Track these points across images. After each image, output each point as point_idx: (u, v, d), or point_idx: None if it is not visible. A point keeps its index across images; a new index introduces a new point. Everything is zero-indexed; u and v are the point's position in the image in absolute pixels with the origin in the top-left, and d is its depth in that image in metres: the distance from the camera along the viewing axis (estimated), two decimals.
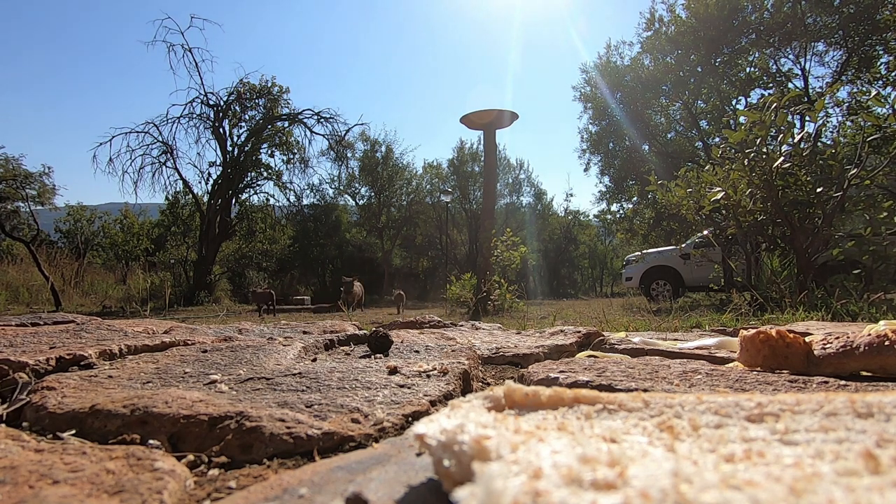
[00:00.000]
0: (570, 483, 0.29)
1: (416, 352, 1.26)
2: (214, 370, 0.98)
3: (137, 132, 14.73)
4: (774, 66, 13.95)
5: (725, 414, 0.46)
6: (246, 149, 16.13)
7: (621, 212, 18.34)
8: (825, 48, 13.33)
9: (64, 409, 0.69)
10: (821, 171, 3.90)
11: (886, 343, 0.88)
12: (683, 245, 8.82)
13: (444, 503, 0.41)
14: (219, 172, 15.67)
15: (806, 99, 11.16)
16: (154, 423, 0.64)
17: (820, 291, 3.47)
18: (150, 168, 14.95)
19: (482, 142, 11.43)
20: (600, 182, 18.38)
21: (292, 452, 0.59)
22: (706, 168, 4.58)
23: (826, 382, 0.87)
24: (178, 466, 0.53)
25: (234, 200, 16.36)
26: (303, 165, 17.09)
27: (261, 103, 16.39)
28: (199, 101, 15.40)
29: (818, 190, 3.83)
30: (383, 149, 22.56)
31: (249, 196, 17.14)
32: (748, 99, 14.11)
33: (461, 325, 2.19)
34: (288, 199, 17.83)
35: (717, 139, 12.11)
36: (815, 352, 0.95)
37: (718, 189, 4.24)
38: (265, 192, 17.43)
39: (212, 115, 15.64)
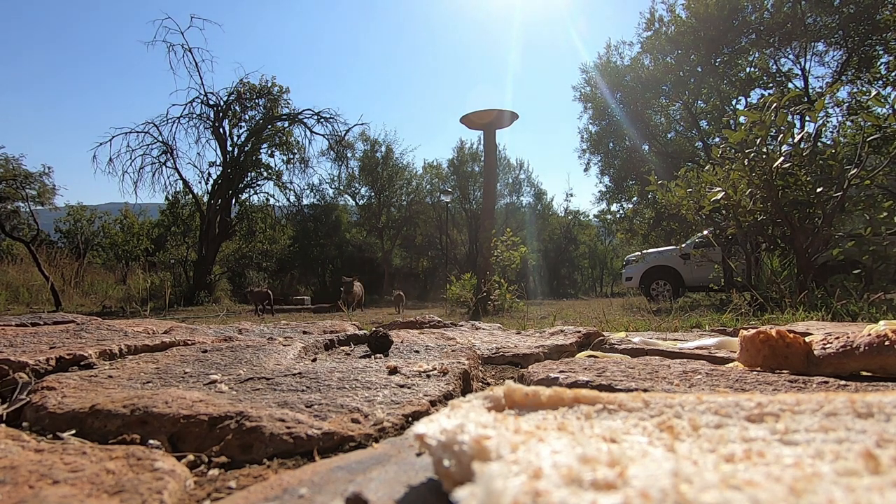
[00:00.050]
0: (570, 483, 0.29)
1: (416, 352, 1.26)
2: (214, 370, 0.98)
3: (137, 132, 14.74)
4: (774, 66, 13.96)
5: (725, 414, 0.46)
6: (246, 149, 16.13)
7: (621, 212, 18.35)
8: (825, 48, 13.34)
9: (64, 409, 0.69)
10: (821, 171, 3.90)
11: (886, 343, 0.88)
12: (683, 245, 8.82)
13: (444, 503, 0.41)
14: (219, 172, 15.68)
15: (806, 99, 11.16)
16: (154, 423, 0.64)
17: (820, 291, 3.47)
18: (150, 168, 14.97)
19: (482, 142, 11.43)
20: (600, 182, 18.41)
21: (292, 452, 0.59)
22: (706, 168, 4.58)
23: (826, 382, 0.87)
24: (178, 466, 0.53)
25: (234, 200, 16.36)
26: (303, 165, 17.10)
27: (261, 103, 16.40)
28: (199, 101, 15.42)
29: (818, 190, 3.83)
30: (383, 149, 22.59)
31: (249, 196, 17.17)
32: (748, 99, 14.12)
33: (461, 325, 2.19)
34: (288, 199, 17.85)
35: (717, 139, 12.11)
36: (815, 352, 0.95)
37: (718, 189, 4.25)
38: (265, 192, 17.45)
39: (212, 115, 15.65)
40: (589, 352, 1.37)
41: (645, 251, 10.28)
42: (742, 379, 0.90)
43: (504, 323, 3.13)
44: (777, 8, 12.70)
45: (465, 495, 0.29)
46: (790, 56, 13.59)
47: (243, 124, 16.43)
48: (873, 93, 3.78)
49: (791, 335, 0.98)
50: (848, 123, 9.59)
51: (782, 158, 3.77)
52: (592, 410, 0.49)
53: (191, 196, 16.05)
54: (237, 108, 16.13)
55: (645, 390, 0.83)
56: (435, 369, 0.96)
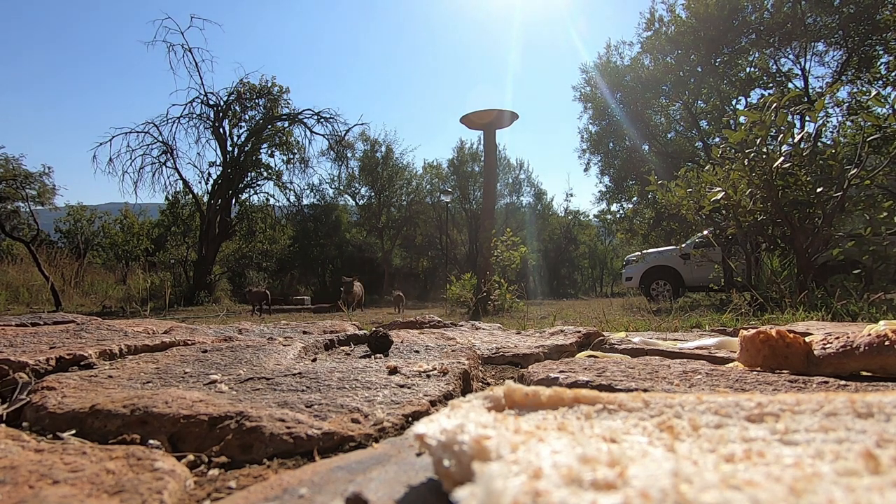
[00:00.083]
0: (570, 483, 0.29)
1: (416, 352, 1.26)
2: (214, 370, 0.98)
3: (137, 132, 14.75)
4: (774, 66, 13.96)
5: (725, 414, 0.46)
6: (246, 149, 16.14)
7: (621, 212, 18.35)
8: (825, 48, 13.34)
9: (64, 409, 0.69)
10: (821, 171, 3.90)
11: (886, 343, 0.88)
12: (683, 245, 8.82)
13: (444, 503, 0.41)
14: (219, 172, 15.69)
15: (806, 99, 11.16)
16: (154, 423, 0.64)
17: (820, 291, 3.47)
18: (150, 168, 14.98)
19: (482, 142, 11.43)
20: (600, 182, 18.42)
21: (292, 452, 0.59)
22: (706, 168, 4.58)
23: (826, 382, 0.87)
24: (178, 466, 0.53)
25: (234, 200, 16.36)
26: (303, 165, 17.11)
27: (261, 103, 16.41)
28: (199, 101, 15.43)
29: (818, 190, 3.83)
30: (383, 149, 22.59)
31: (249, 196, 17.18)
32: (748, 99, 14.12)
33: (461, 325, 2.19)
34: (288, 199, 17.87)
35: (717, 139, 12.11)
36: (815, 352, 0.95)
37: (718, 189, 4.25)
38: (265, 192, 17.47)
39: (212, 115, 15.65)
40: (589, 352, 1.37)
41: (645, 251, 10.27)
42: (742, 379, 0.90)
43: (504, 323, 3.13)
44: (777, 8, 12.70)
45: (465, 495, 0.29)
46: (790, 56, 13.60)
47: (243, 124, 16.45)
48: (873, 93, 3.78)
49: (791, 335, 0.98)
50: (848, 123, 9.59)
51: (782, 158, 3.77)
52: (592, 410, 0.49)
53: (191, 196, 16.06)
54: (237, 108, 16.14)
55: (645, 390, 0.83)
56: (435, 369, 0.96)
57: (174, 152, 15.14)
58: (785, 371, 0.97)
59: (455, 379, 0.91)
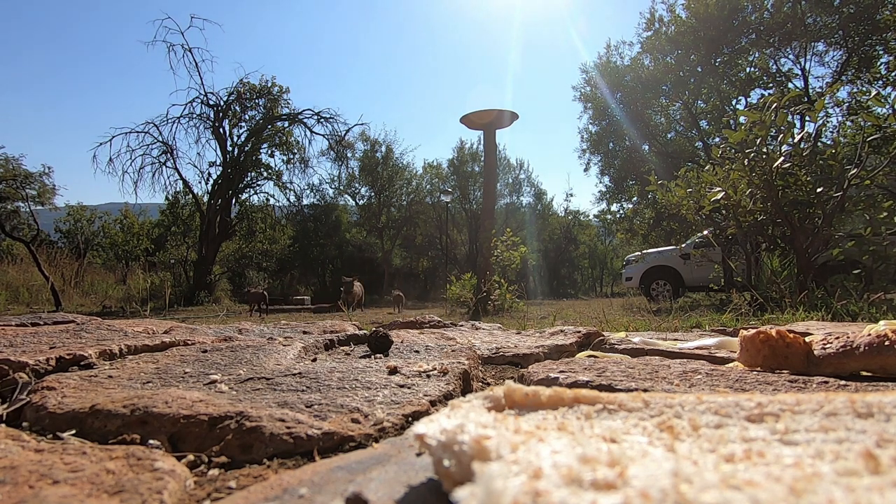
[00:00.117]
0: (570, 483, 0.29)
1: (416, 352, 1.26)
2: (214, 370, 0.98)
3: (137, 132, 14.75)
4: (774, 66, 13.96)
5: (725, 414, 0.46)
6: (246, 149, 16.14)
7: (621, 212, 18.35)
8: (825, 48, 13.34)
9: (64, 409, 0.69)
10: (821, 171, 3.90)
11: (886, 343, 0.88)
12: (683, 245, 8.82)
13: (444, 503, 0.41)
14: (219, 172, 15.69)
15: (806, 99, 11.16)
16: (154, 423, 0.64)
17: (820, 291, 3.47)
18: (150, 168, 14.98)
19: (482, 142, 11.43)
20: (600, 182, 18.42)
21: (292, 452, 0.59)
22: (706, 168, 4.58)
23: (826, 382, 0.87)
24: (178, 466, 0.53)
25: (234, 200, 16.36)
26: (303, 165, 17.11)
27: (261, 103, 16.41)
28: (199, 101, 15.43)
29: (818, 190, 3.83)
30: (383, 149, 22.59)
31: (249, 196, 17.18)
32: (748, 99, 14.12)
33: (461, 325, 2.19)
34: (288, 199, 17.86)
35: (717, 139, 12.11)
36: (815, 352, 0.95)
37: (718, 189, 4.25)
38: (265, 192, 17.47)
39: (212, 115, 15.65)
40: (589, 352, 1.37)
41: (645, 251, 10.27)
42: (742, 379, 0.90)
43: (504, 323, 3.13)
44: (777, 8, 12.70)
45: (465, 495, 0.29)
46: (790, 56, 13.60)
47: (243, 124, 16.45)
48: (873, 93, 3.78)
49: (791, 335, 0.98)
50: (848, 123, 9.59)
51: (782, 158, 3.77)
52: (592, 410, 0.49)
53: (191, 196, 16.06)
54: (237, 108, 16.14)
55: (645, 390, 0.83)
56: (435, 369, 0.96)
57: (174, 152, 15.15)
58: (785, 371, 0.97)
59: (455, 379, 0.91)
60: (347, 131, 16.51)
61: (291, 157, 16.99)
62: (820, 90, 13.05)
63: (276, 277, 20.93)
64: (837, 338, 0.95)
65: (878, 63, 12.65)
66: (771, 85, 13.76)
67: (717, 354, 1.25)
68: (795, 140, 3.79)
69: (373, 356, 1.20)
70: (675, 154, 15.17)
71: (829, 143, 5.35)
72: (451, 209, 22.77)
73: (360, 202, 23.22)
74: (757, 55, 13.85)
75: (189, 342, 1.38)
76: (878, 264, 3.72)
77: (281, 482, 0.47)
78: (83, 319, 1.81)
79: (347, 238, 23.43)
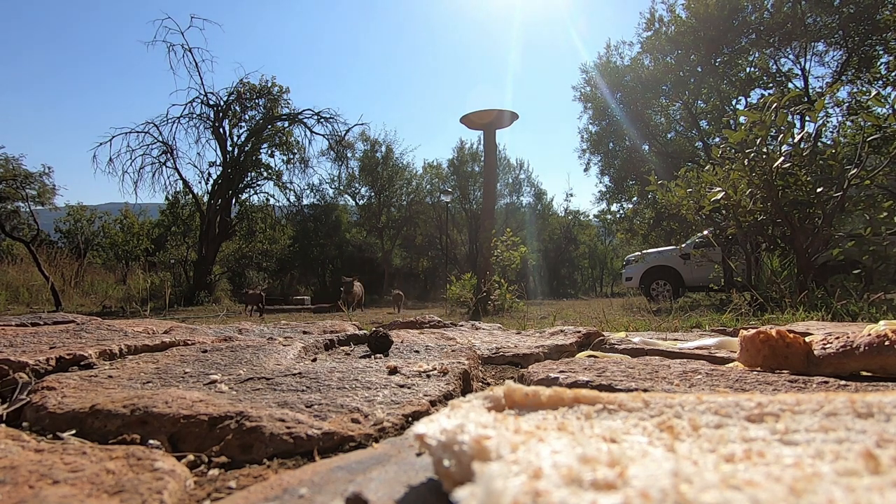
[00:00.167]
0: (570, 483, 0.29)
1: (416, 352, 1.26)
2: (214, 370, 0.98)
3: (137, 132, 14.76)
4: (774, 66, 13.96)
5: (725, 414, 0.46)
6: (246, 149, 16.14)
7: (621, 212, 18.36)
8: (825, 48, 13.34)
9: (64, 409, 0.69)
10: (821, 171, 3.90)
11: (886, 343, 0.88)
12: (683, 245, 8.82)
13: (444, 503, 0.41)
14: (219, 172, 15.69)
15: (806, 99, 11.16)
16: (154, 423, 0.64)
17: (820, 291, 3.47)
18: (150, 168, 14.99)
19: (482, 142, 11.43)
20: (600, 182, 18.42)
21: (292, 452, 0.59)
22: (706, 168, 4.58)
23: (826, 382, 0.87)
24: (178, 466, 0.53)
25: (234, 200, 16.37)
26: (303, 165, 17.12)
27: (261, 103, 16.41)
28: (199, 101, 15.44)
29: (818, 190, 3.83)
30: (383, 149, 22.60)
31: (249, 196, 17.18)
32: (748, 99, 14.12)
33: (461, 325, 2.19)
34: (288, 199, 17.87)
35: (717, 139, 12.12)
36: (815, 352, 0.95)
37: (718, 189, 4.25)
38: (265, 192, 17.48)
39: (212, 115, 15.66)
40: (589, 352, 1.37)
41: (645, 251, 10.27)
42: (742, 379, 0.90)
43: (504, 323, 3.13)
44: (777, 8, 12.70)
45: (465, 495, 0.29)
46: (790, 56, 13.60)
47: (243, 124, 16.46)
48: (873, 93, 3.78)
49: (791, 335, 0.98)
50: (848, 123, 9.59)
51: (782, 158, 3.77)
52: (592, 410, 0.49)
53: (191, 196, 16.06)
54: (237, 108, 16.15)
55: (645, 390, 0.83)
56: (435, 369, 0.96)
57: (174, 152, 15.16)
58: (785, 371, 0.97)
59: (455, 379, 0.91)
60: (347, 131, 16.54)
61: (291, 157, 17.01)
62: (820, 90, 13.05)
63: (276, 277, 20.94)
64: (837, 338, 0.95)
65: (878, 63, 12.65)
66: (771, 85, 13.76)
67: (717, 354, 1.25)
68: (795, 140, 3.79)
69: (373, 356, 1.20)
70: (675, 154, 15.17)
71: (829, 143, 5.36)
72: (451, 209, 22.77)
73: (360, 202, 23.22)
74: (757, 55, 13.85)
75: (189, 342, 1.38)
76: (878, 264, 3.72)
77: (281, 482, 0.47)
78: (83, 319, 1.81)
79: (347, 238, 23.43)
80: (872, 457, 0.32)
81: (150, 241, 18.52)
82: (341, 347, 1.44)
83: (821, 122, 4.66)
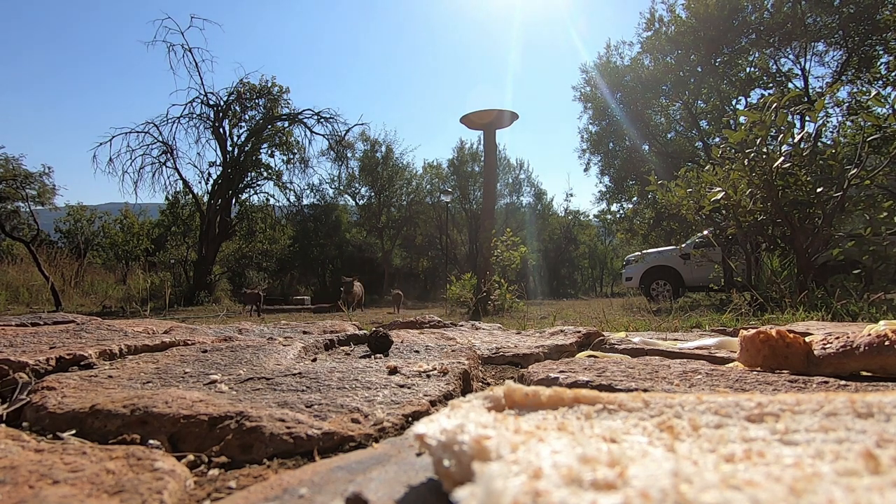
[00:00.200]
0: (570, 483, 0.29)
1: (416, 352, 1.26)
2: (214, 370, 0.98)
3: (137, 132, 14.76)
4: (774, 66, 13.96)
5: (725, 414, 0.46)
6: (246, 149, 16.14)
7: (621, 212, 18.36)
8: (825, 48, 13.35)
9: (64, 409, 0.69)
10: (821, 171, 3.90)
11: (886, 343, 0.88)
12: (683, 245, 8.82)
13: (444, 503, 0.41)
14: (219, 172, 15.70)
15: (806, 99, 11.16)
16: (154, 423, 0.64)
17: (820, 291, 3.47)
18: (150, 168, 15.00)
19: (482, 142, 11.43)
20: (600, 182, 18.42)
21: (292, 452, 0.59)
22: (706, 168, 4.58)
23: (826, 382, 0.87)
24: (178, 466, 0.53)
25: (234, 200, 16.37)
26: (303, 165, 17.12)
27: (261, 103, 16.42)
28: (199, 101, 15.44)
29: (818, 190, 3.83)
30: (383, 149, 22.61)
31: (249, 196, 17.19)
32: (748, 99, 14.12)
33: (461, 325, 2.19)
34: (288, 199, 17.88)
35: (717, 139, 12.12)
36: (815, 352, 0.95)
37: (718, 189, 4.25)
38: (265, 192, 17.49)
39: (212, 115, 15.66)
40: (589, 352, 1.37)
41: (645, 251, 10.27)
42: (742, 379, 0.90)
43: (504, 323, 3.13)
44: (777, 8, 12.70)
45: (465, 495, 0.29)
46: (790, 56, 13.60)
47: (243, 124, 16.46)
48: (873, 93, 3.77)
49: (791, 335, 0.98)
50: (848, 123, 9.59)
51: (782, 158, 3.77)
52: (592, 410, 0.49)
53: (191, 196, 16.06)
54: (237, 108, 16.15)
55: (645, 390, 0.83)
56: (435, 369, 0.96)
57: (174, 152, 15.17)
58: (785, 371, 0.97)
59: (455, 379, 0.91)
60: (347, 131, 16.54)
61: (291, 157, 17.02)
62: (820, 90, 13.05)
63: (276, 277, 20.94)
64: (837, 338, 0.95)
65: (878, 63, 12.65)
66: (771, 85, 13.76)
67: (717, 354, 1.25)
68: (795, 140, 3.79)
69: (373, 356, 1.20)
70: (675, 154, 15.17)
71: (829, 143, 5.36)
72: (451, 209, 22.77)
73: (360, 202, 23.23)
74: (757, 55, 13.85)
75: (189, 342, 1.38)
76: (878, 264, 3.72)
77: (281, 482, 0.47)
78: (83, 319, 1.81)
79: (347, 238, 23.43)
80: (872, 457, 0.32)
81: (150, 241, 18.53)
82: (341, 347, 1.44)
83: (821, 122, 4.66)
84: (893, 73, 12.39)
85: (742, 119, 4.41)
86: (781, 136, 3.88)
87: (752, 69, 14.25)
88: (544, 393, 0.52)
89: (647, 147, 16.26)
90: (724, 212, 4.78)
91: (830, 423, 0.41)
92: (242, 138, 16.20)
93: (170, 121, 15.11)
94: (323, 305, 11.20)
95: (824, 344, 0.95)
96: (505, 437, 0.38)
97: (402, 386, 0.84)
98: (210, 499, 0.49)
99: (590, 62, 17.69)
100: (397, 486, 0.45)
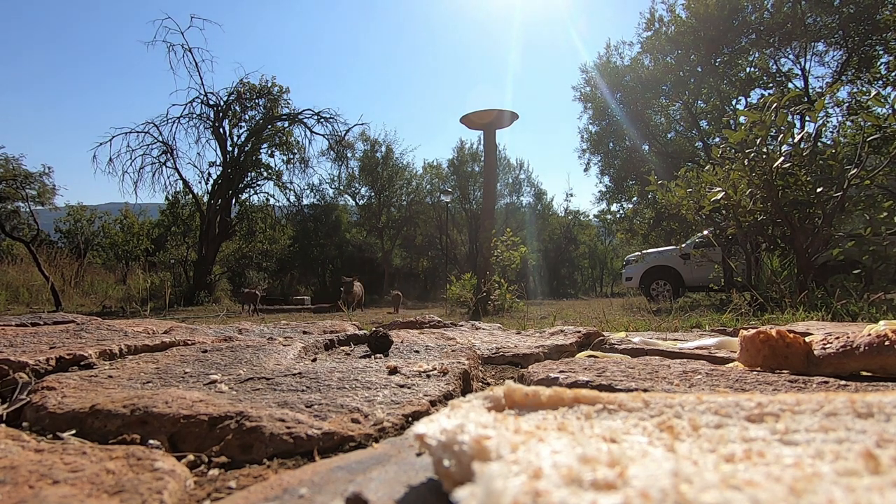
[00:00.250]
0: (570, 483, 0.29)
1: (416, 352, 1.26)
2: (214, 370, 0.98)
3: (137, 132, 14.76)
4: (774, 66, 13.96)
5: (725, 414, 0.46)
6: (246, 149, 16.14)
7: (621, 212, 18.36)
8: (825, 48, 13.35)
9: (64, 409, 0.69)
10: (821, 171, 3.90)
11: (886, 343, 0.88)
12: (683, 245, 8.82)
13: (444, 503, 0.41)
14: (219, 172, 15.70)
15: (806, 99, 11.16)
16: (154, 423, 0.64)
17: (820, 291, 3.47)
18: (150, 168, 15.00)
19: (482, 142, 11.43)
20: (600, 182, 18.43)
21: (292, 452, 0.59)
22: (706, 168, 4.58)
23: (826, 382, 0.87)
24: (178, 466, 0.53)
25: (234, 200, 16.37)
26: (303, 165, 17.12)
27: (261, 103, 16.42)
28: (199, 101, 15.44)
29: (818, 190, 3.83)
30: (383, 149, 22.60)
31: (249, 196, 17.19)
32: (748, 99, 14.12)
33: (461, 325, 2.18)
34: (288, 199, 17.88)
35: (717, 139, 12.12)
36: (815, 352, 0.95)
37: (718, 189, 4.24)
38: (265, 192, 17.49)
39: (212, 115, 15.66)
40: (589, 352, 1.37)
41: (645, 251, 10.27)
42: (742, 379, 0.90)
43: (504, 323, 3.13)
44: (777, 8, 12.70)
45: (465, 495, 0.29)
46: (790, 56, 13.60)
47: (243, 124, 16.46)
48: (873, 93, 3.77)
49: (791, 335, 0.98)
50: (848, 123, 9.58)
51: (782, 158, 3.76)
52: (592, 410, 0.49)
53: (191, 196, 16.06)
54: (237, 108, 16.15)
55: (645, 390, 0.83)
56: (435, 369, 0.96)
57: (174, 152, 15.17)
58: (785, 371, 0.97)
59: (455, 379, 0.91)
60: (347, 131, 16.54)
61: (291, 157, 17.02)
62: (820, 90, 13.05)
63: (276, 277, 20.94)
64: (837, 338, 0.95)
65: (878, 63, 12.65)
66: (771, 85, 13.76)
67: (717, 354, 1.25)
68: (795, 140, 3.79)
69: (373, 356, 1.20)
70: (675, 154, 15.17)
71: (829, 143, 5.35)
72: (451, 209, 22.77)
73: (360, 202, 23.23)
74: (757, 55, 13.85)
75: (189, 342, 1.38)
76: (878, 264, 3.72)
77: (281, 482, 0.47)
78: (83, 319, 1.81)
79: (347, 238, 23.43)
80: (872, 457, 0.32)
81: (150, 241, 18.53)
82: (341, 347, 1.44)
83: (821, 122, 4.66)
84: (893, 73, 12.39)
85: (742, 119, 4.41)
86: (781, 136, 3.88)
87: (752, 69, 14.25)
88: (544, 393, 0.52)
89: (647, 147, 16.26)
90: (724, 212, 4.78)
91: (830, 423, 0.41)
92: (242, 138, 16.21)
93: (170, 121, 15.13)
94: (323, 305, 11.20)
95: (824, 344, 0.95)
96: (505, 437, 0.38)
97: (402, 386, 0.84)
98: (210, 499, 0.49)
99: (590, 62, 17.71)
100: (397, 486, 0.45)
